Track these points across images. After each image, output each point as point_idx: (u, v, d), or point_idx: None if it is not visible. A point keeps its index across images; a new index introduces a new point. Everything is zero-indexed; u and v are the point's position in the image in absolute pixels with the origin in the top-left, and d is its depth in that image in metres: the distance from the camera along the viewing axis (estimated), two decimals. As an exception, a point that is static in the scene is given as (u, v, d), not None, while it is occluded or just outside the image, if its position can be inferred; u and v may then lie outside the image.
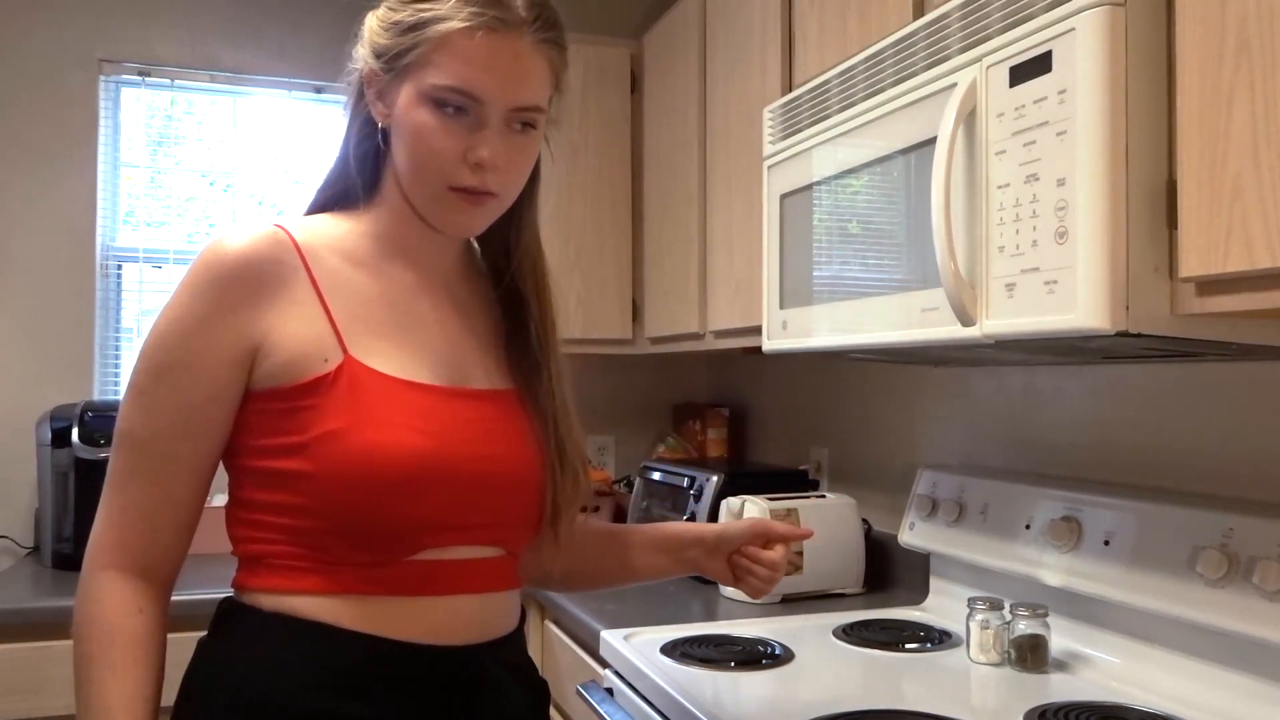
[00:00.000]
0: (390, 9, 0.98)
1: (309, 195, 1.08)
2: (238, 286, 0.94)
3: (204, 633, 1.01)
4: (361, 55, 1.01)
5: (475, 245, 1.15)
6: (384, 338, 0.98)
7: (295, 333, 0.94)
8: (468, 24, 0.93)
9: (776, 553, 1.19)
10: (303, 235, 0.99)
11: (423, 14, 0.95)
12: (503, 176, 0.98)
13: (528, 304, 1.09)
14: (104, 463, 2.42)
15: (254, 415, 0.96)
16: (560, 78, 1.02)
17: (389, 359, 0.96)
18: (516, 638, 1.06)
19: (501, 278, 1.11)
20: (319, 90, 2.79)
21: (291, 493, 0.93)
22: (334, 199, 1.06)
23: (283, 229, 0.98)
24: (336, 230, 1.02)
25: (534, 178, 1.09)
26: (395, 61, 0.96)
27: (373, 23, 1.00)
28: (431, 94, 0.94)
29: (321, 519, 0.93)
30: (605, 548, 1.23)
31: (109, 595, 0.95)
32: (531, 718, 1.06)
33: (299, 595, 0.94)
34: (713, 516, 2.08)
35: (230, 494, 1.01)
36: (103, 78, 2.61)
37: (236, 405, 0.96)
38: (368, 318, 0.98)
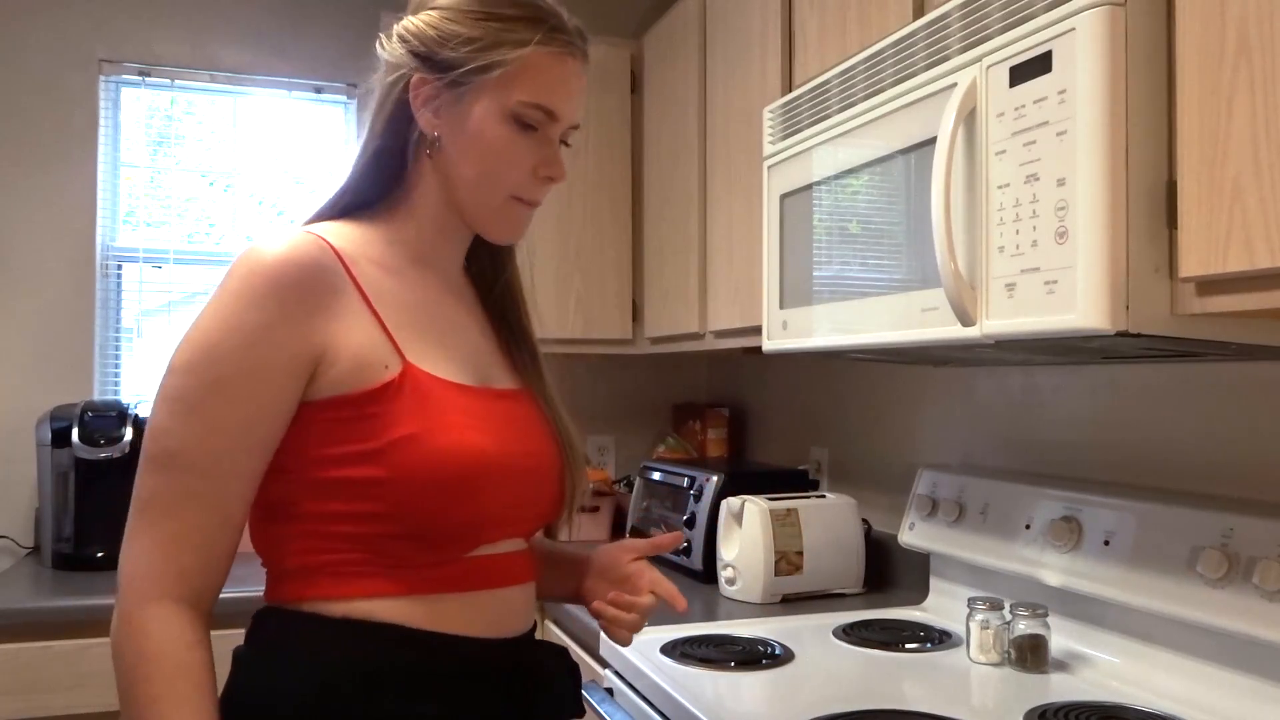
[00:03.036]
0: (452, 21, 0.99)
1: (323, 196, 1.07)
2: (298, 293, 0.92)
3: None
4: (405, 64, 1.00)
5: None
6: (431, 343, 1.00)
7: (355, 340, 0.94)
8: (558, 50, 1.00)
9: (647, 599, 1.13)
10: (339, 243, 0.98)
11: (504, 34, 0.98)
12: (551, 187, 1.06)
13: (519, 309, 1.15)
14: (104, 462, 2.44)
15: (317, 425, 0.94)
16: None
17: (438, 364, 0.99)
18: (534, 629, 1.10)
19: (490, 285, 1.15)
20: (319, 90, 2.79)
21: (363, 500, 0.93)
22: (353, 204, 1.05)
23: (321, 237, 0.96)
24: (363, 238, 1.02)
25: None
26: (466, 75, 0.98)
27: (428, 33, 0.99)
28: (515, 110, 0.99)
29: (393, 523, 0.93)
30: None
31: (168, 630, 0.88)
32: (574, 699, 1.10)
33: (368, 599, 0.93)
34: (713, 516, 2.08)
35: (276, 508, 0.97)
36: (103, 78, 2.61)
37: (292, 417, 0.94)
38: (413, 324, 0.99)
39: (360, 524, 0.93)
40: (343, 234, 1.00)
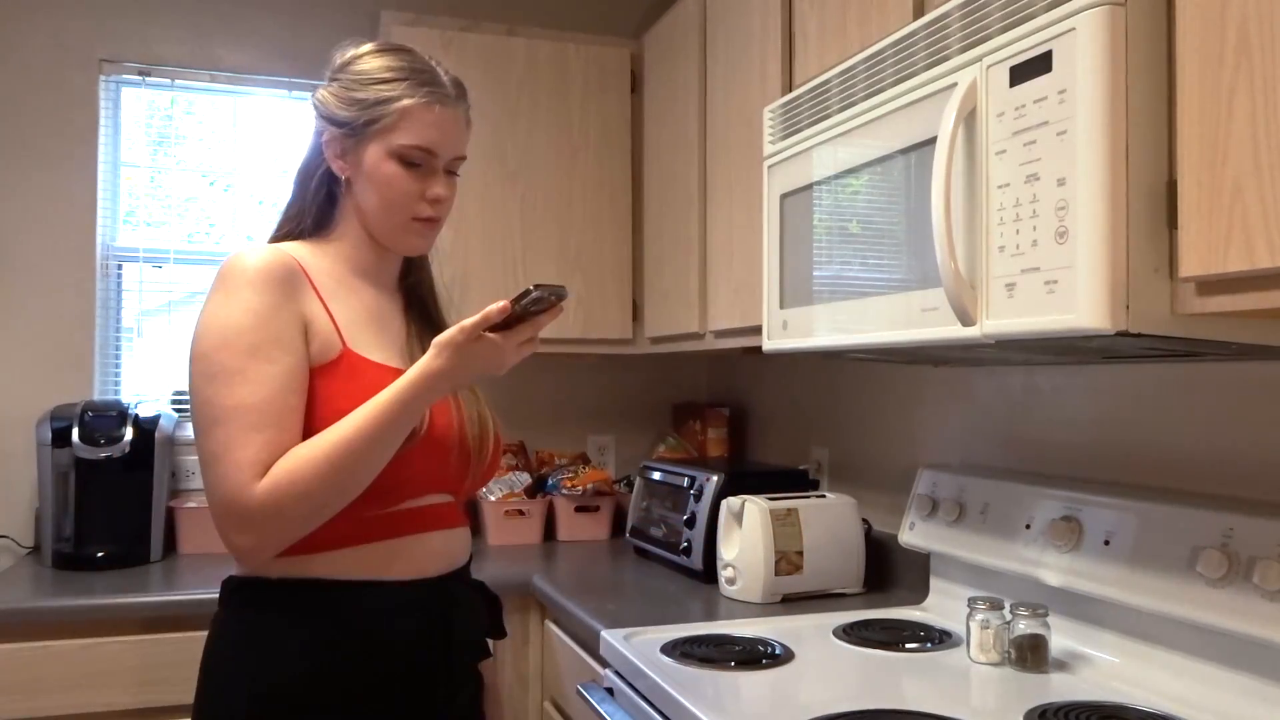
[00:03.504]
0: (347, 89, 1.28)
1: (274, 222, 1.37)
2: (286, 283, 1.20)
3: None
4: (320, 125, 1.30)
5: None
6: (368, 335, 1.28)
7: (317, 325, 1.22)
8: (426, 100, 1.27)
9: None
10: (297, 255, 1.26)
11: (384, 93, 1.26)
12: (444, 207, 1.33)
13: (434, 300, 1.44)
14: (105, 462, 2.44)
15: None
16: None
17: (372, 350, 1.27)
18: (467, 566, 1.37)
19: (410, 281, 1.43)
20: (319, 90, 2.79)
21: None
22: (293, 233, 1.34)
23: (285, 251, 1.24)
24: (313, 254, 1.30)
25: None
26: (360, 129, 1.27)
27: (329, 100, 1.29)
28: (399, 152, 1.27)
29: None
30: None
31: (271, 475, 1.12)
32: (494, 625, 1.39)
33: (306, 556, 1.19)
34: (713, 516, 2.08)
35: None
36: (103, 78, 2.61)
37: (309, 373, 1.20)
38: (354, 320, 1.28)
39: None
40: (299, 251, 1.29)
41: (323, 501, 1.14)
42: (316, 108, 1.30)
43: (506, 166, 2.52)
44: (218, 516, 1.13)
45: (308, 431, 1.17)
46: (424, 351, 1.24)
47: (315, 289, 1.25)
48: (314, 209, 1.33)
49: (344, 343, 1.23)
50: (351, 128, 1.27)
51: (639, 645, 1.58)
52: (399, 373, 1.21)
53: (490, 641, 1.40)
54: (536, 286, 1.14)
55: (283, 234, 1.34)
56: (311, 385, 1.19)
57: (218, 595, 1.27)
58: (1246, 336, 1.07)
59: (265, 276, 1.18)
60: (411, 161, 1.27)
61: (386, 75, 1.27)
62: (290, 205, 1.36)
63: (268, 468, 1.12)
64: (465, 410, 1.33)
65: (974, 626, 1.51)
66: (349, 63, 1.30)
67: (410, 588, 1.24)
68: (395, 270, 1.40)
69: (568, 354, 2.66)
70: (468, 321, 1.15)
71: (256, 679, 1.17)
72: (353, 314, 1.28)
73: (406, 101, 1.26)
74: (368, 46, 1.31)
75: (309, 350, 1.20)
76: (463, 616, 1.30)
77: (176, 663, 1.96)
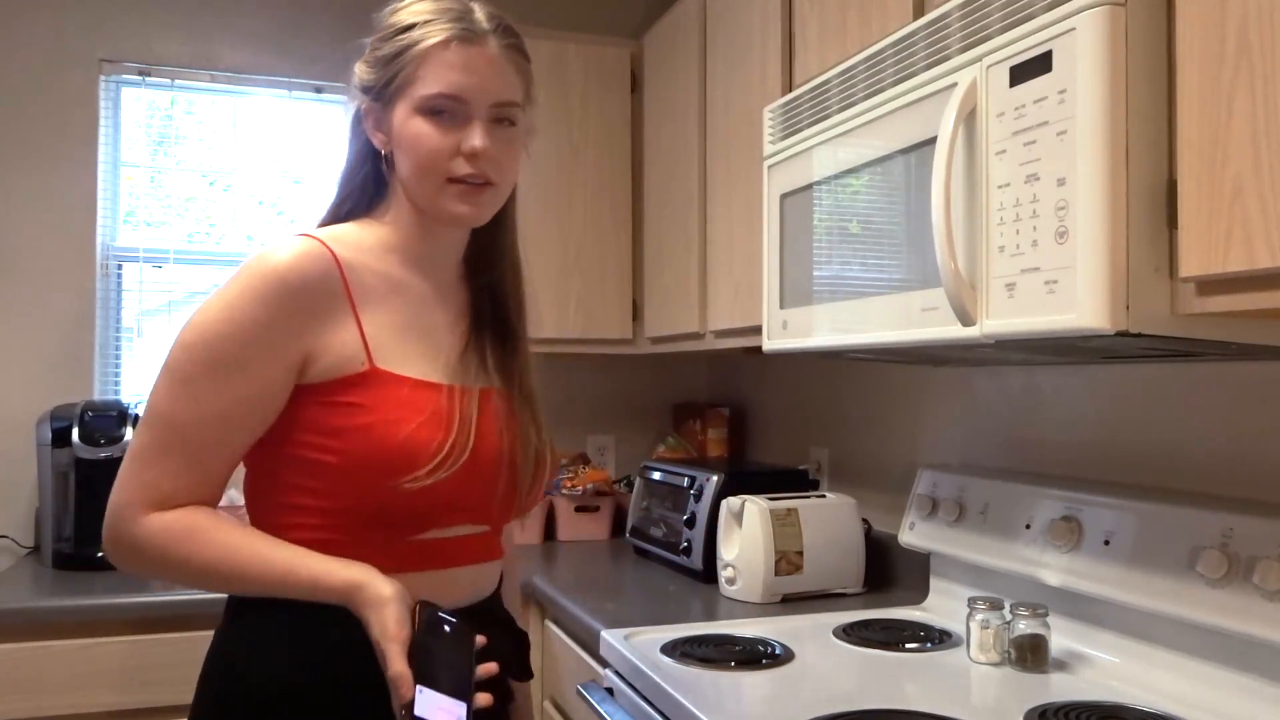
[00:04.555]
0: (372, 49, 1.14)
1: (323, 204, 1.21)
2: (295, 304, 1.05)
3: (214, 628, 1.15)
4: (355, 98, 1.16)
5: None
6: (406, 345, 1.12)
7: (337, 341, 1.08)
8: (441, 38, 1.10)
9: None
10: (341, 251, 1.10)
11: (400, 42, 1.11)
12: (494, 165, 1.12)
13: (509, 303, 1.24)
14: (105, 462, 2.45)
15: (301, 408, 1.08)
16: (529, 85, 1.18)
17: (409, 364, 1.11)
18: (495, 596, 1.23)
19: (482, 280, 1.24)
20: (319, 90, 2.79)
21: (321, 479, 1.07)
22: (346, 215, 1.19)
23: (326, 246, 1.09)
24: (364, 243, 1.14)
25: (512, 192, 1.23)
26: (385, 90, 1.12)
27: (359, 68, 1.15)
28: (422, 104, 1.10)
29: (344, 502, 1.07)
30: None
31: (162, 518, 1.03)
32: (519, 665, 1.21)
33: None
34: (713, 516, 2.08)
35: (269, 483, 1.11)
36: (103, 78, 2.61)
37: (284, 401, 1.07)
38: (392, 327, 1.12)
39: (320, 499, 1.07)
40: (347, 241, 1.13)
41: (180, 583, 1.08)
42: (352, 81, 1.16)
43: (506, 166, 2.51)
44: (106, 517, 1.05)
45: (331, 441, 1.05)
46: (478, 370, 1.15)
47: (350, 295, 1.09)
48: (362, 190, 1.19)
49: (370, 359, 1.08)
50: (378, 91, 1.13)
51: (639, 645, 1.58)
52: (436, 389, 1.10)
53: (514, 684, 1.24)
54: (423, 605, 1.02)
55: (333, 217, 1.19)
56: (334, 395, 1.06)
57: (225, 605, 1.16)
58: (1246, 336, 1.07)
59: (277, 289, 1.04)
60: (438, 112, 1.10)
61: (408, 21, 1.12)
62: (340, 187, 1.21)
63: (165, 497, 1.03)
64: (520, 432, 1.18)
65: (974, 626, 1.51)
66: (379, 20, 1.15)
67: None
68: (454, 259, 1.23)
69: (568, 354, 2.65)
70: (393, 649, 0.97)
71: (253, 695, 1.06)
72: (391, 321, 1.12)
73: (423, 45, 1.10)
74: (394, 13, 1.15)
75: (321, 369, 1.06)
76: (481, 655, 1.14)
77: (176, 663, 1.96)
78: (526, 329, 1.25)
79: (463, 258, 1.24)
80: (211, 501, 1.07)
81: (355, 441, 1.05)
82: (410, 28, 1.11)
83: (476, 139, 1.10)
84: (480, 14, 1.13)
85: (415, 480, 1.05)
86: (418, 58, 1.10)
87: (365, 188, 1.19)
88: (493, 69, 1.12)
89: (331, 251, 1.09)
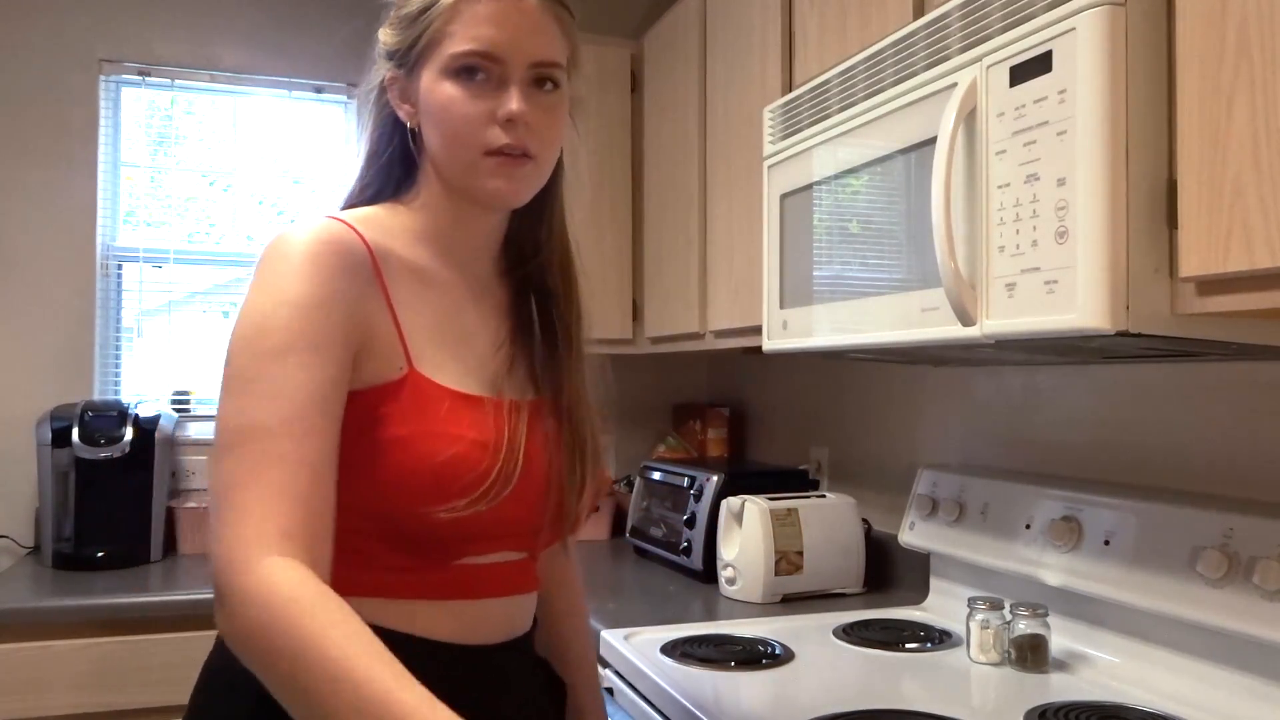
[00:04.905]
0: (397, 7, 1.00)
1: (345, 191, 1.06)
2: (334, 269, 0.89)
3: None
4: (380, 67, 1.02)
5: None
6: (443, 351, 0.97)
7: (377, 334, 0.93)
8: None
9: None
10: (369, 233, 0.95)
11: (428, 1, 0.96)
12: (535, 135, 0.98)
13: (556, 300, 1.09)
14: (104, 462, 2.44)
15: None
16: (574, 46, 1.03)
17: (447, 372, 0.96)
18: (530, 635, 1.07)
19: (528, 272, 1.10)
20: (319, 90, 2.79)
21: (350, 494, 0.89)
22: (370, 198, 1.04)
23: (352, 227, 0.94)
24: (392, 227, 1.00)
25: (557, 169, 1.09)
26: (410, 52, 0.98)
27: (384, 32, 1.01)
28: (451, 65, 0.95)
29: (373, 523, 0.91)
30: (559, 623, 1.20)
31: (290, 574, 0.76)
32: (553, 712, 1.07)
33: (359, 599, 0.84)
34: (713, 516, 2.08)
35: None
36: (103, 78, 2.61)
37: (348, 382, 0.90)
38: (427, 329, 0.97)
39: (345, 518, 0.87)
40: (372, 222, 0.98)
41: (263, 676, 0.77)
42: (377, 48, 1.02)
43: (506, 166, 2.51)
44: (213, 574, 0.80)
45: (353, 467, 0.89)
46: (524, 381, 1.02)
47: (382, 283, 0.94)
48: (388, 172, 1.04)
49: (409, 361, 0.94)
50: (403, 55, 0.99)
51: (639, 645, 1.58)
52: (479, 403, 0.96)
53: None
54: None
55: (354, 201, 1.04)
56: (369, 407, 0.91)
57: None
58: (1246, 336, 1.06)
59: (313, 258, 0.88)
60: (470, 72, 0.95)
61: None
62: (361, 171, 1.05)
63: (285, 528, 0.79)
64: (570, 452, 1.04)
65: (974, 626, 1.51)
66: None
67: (454, 652, 0.96)
68: (492, 250, 1.08)
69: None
70: None
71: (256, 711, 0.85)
72: (427, 319, 0.97)
73: (451, 1, 0.95)
74: None
75: (364, 371, 0.91)
76: (512, 702, 1.01)
77: (176, 663, 1.96)
78: (581, 329, 1.10)
79: (501, 248, 1.09)
80: (329, 512, 0.84)
81: (388, 460, 0.90)
82: None
83: (514, 102, 0.95)
84: None
85: (452, 510, 0.91)
86: (445, 12, 0.95)
87: (390, 169, 1.04)
88: (530, 23, 0.96)
89: (358, 232, 0.94)
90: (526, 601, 1.05)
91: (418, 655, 0.85)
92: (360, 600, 0.83)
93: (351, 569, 0.89)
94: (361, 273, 0.91)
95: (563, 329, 1.08)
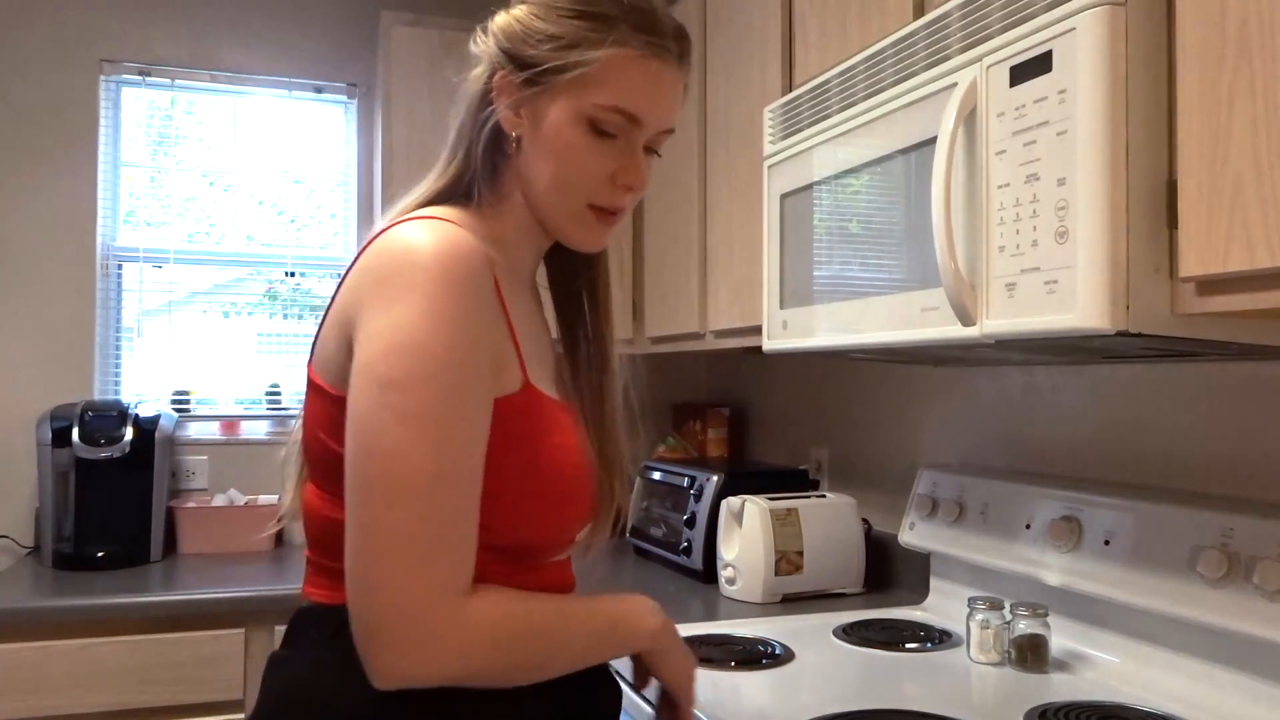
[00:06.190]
0: (540, 19, 0.96)
1: (422, 186, 1.02)
2: (485, 289, 0.88)
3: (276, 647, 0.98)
4: (492, 60, 0.98)
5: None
6: (537, 360, 0.99)
7: (502, 351, 0.92)
8: (643, 51, 0.94)
9: None
10: (482, 246, 0.91)
11: (588, 33, 0.94)
12: (636, 197, 1.00)
13: (599, 312, 1.11)
14: (104, 462, 2.44)
15: None
16: None
17: (544, 381, 0.98)
18: None
19: (569, 285, 1.12)
20: (319, 90, 2.79)
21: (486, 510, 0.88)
22: (448, 194, 1.02)
23: (471, 238, 0.90)
24: (483, 232, 0.98)
25: None
26: (546, 75, 0.95)
27: (514, 28, 0.97)
28: (593, 113, 0.95)
29: (493, 534, 0.89)
30: None
31: (490, 591, 0.85)
32: (617, 701, 1.10)
33: None
34: (713, 516, 2.08)
35: None
36: (103, 78, 2.61)
37: None
38: (526, 339, 0.97)
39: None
40: (476, 230, 0.96)
41: (509, 662, 0.86)
42: (494, 36, 0.98)
43: (506, 166, 2.51)
44: (390, 618, 0.79)
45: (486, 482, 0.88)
46: (578, 387, 1.04)
47: (501, 297, 0.92)
48: (472, 174, 1.01)
49: (525, 373, 0.94)
50: (535, 72, 0.95)
51: (639, 645, 1.58)
52: (563, 408, 0.99)
53: None
54: None
55: (441, 193, 1.01)
56: (494, 417, 0.89)
57: (285, 631, 0.97)
58: (1246, 336, 1.07)
59: (466, 278, 0.85)
60: (605, 130, 0.95)
61: (595, 9, 0.94)
62: (448, 163, 1.02)
63: (467, 578, 0.83)
64: (609, 456, 1.06)
65: (974, 626, 1.51)
66: None
67: None
68: (537, 262, 1.09)
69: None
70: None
71: None
72: (524, 331, 0.97)
73: (616, 50, 0.93)
74: None
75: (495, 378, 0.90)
76: (588, 698, 1.05)
77: (176, 663, 1.96)
78: (610, 342, 1.11)
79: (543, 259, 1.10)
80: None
81: (510, 471, 0.90)
82: (599, 18, 0.94)
83: (638, 174, 0.97)
84: (667, 24, 0.97)
85: (569, 507, 0.96)
86: (607, 58, 0.93)
87: (468, 167, 1.01)
88: (673, 93, 0.98)
89: (474, 240, 0.90)
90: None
91: None
92: None
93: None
94: (489, 290, 0.89)
95: (599, 340, 1.10)
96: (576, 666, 0.92)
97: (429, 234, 0.87)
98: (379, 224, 0.97)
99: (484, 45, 0.99)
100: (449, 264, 0.85)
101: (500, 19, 0.99)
